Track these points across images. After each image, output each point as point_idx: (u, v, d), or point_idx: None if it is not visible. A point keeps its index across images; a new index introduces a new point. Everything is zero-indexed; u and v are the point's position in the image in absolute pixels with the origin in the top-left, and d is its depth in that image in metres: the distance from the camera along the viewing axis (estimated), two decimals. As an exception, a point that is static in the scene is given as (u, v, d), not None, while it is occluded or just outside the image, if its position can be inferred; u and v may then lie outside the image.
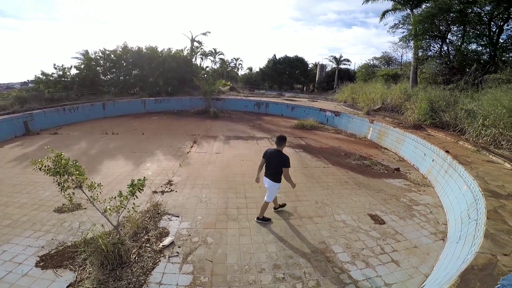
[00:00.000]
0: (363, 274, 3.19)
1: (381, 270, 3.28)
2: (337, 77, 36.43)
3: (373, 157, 8.21)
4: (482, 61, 13.50)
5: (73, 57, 20.09)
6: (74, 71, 16.15)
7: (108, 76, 17.86)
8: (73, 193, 2.85)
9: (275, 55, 43.21)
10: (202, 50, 37.59)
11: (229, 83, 27.74)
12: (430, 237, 4.10)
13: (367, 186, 5.90)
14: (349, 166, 7.19)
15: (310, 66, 45.40)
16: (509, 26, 13.13)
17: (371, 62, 27.56)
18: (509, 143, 6.62)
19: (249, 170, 6.59)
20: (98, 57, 17.16)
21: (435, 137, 8.29)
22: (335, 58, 40.18)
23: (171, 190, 5.26)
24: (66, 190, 2.79)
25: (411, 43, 16.22)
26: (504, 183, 4.41)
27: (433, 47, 16.13)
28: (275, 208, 4.69)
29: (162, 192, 5.16)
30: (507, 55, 13.30)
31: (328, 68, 42.94)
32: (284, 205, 4.84)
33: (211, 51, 42.33)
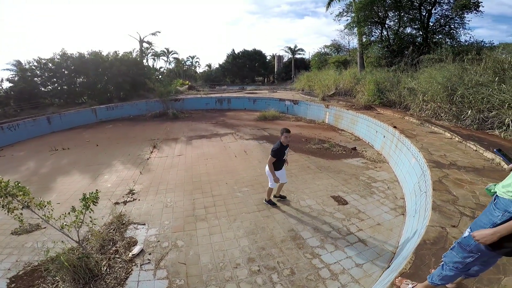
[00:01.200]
0: (333, 257, 3.34)
1: (350, 251, 3.44)
2: (293, 67, 37.56)
3: (332, 140, 8.74)
4: (417, 44, 14.96)
5: (4, 69, 17.68)
6: (7, 85, 14.28)
7: (49, 87, 16.08)
8: (21, 214, 2.71)
9: (233, 50, 43.18)
10: (153, 50, 35.74)
11: (187, 82, 26.89)
12: (391, 213, 4.34)
13: (328, 169, 6.27)
14: (310, 151, 7.56)
15: (268, 58, 46.10)
16: (436, 10, 14.74)
17: (323, 51, 28.90)
18: (447, 115, 7.48)
19: (214, 168, 6.56)
20: (33, 67, 15.33)
21: (384, 115, 9.08)
22: (290, 48, 41.26)
23: (134, 199, 5.07)
24: (12, 212, 2.65)
25: (355, 30, 17.32)
26: (445, 152, 4.94)
27: (374, 32, 17.41)
28: (275, 196, 4.99)
29: (125, 202, 4.96)
30: (437, 37, 14.94)
31: (285, 59, 44.09)
32: (284, 197, 5.06)
33: (164, 51, 40.47)
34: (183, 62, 45.84)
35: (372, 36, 17.49)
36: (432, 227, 2.66)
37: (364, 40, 17.49)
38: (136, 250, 3.51)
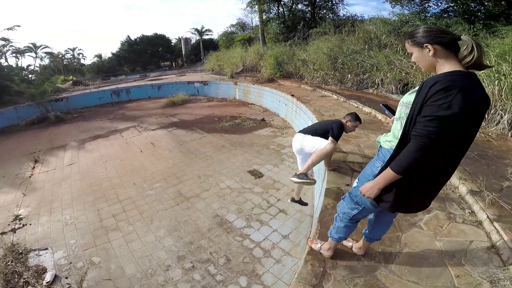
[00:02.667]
0: (261, 233, 3.35)
1: (275, 224, 3.50)
2: (202, 48, 36.05)
3: (243, 115, 8.87)
4: (307, 19, 16.41)
5: None
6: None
7: None
8: None
9: (129, 36, 38.10)
10: (13, 48, 27.28)
11: (70, 77, 22.05)
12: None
13: (241, 144, 6.29)
14: (223, 129, 7.44)
15: (174, 41, 42.92)
16: None
17: (229, 30, 28.60)
18: (333, 80, 8.59)
19: (116, 170, 5.62)
20: None
21: (284, 85, 9.73)
22: (197, 30, 39.06)
23: (24, 225, 4.17)
24: None
25: (256, 8, 17.64)
26: (334, 112, 5.57)
27: (272, 9, 18.15)
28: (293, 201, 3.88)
29: (13, 230, 4.08)
30: (322, 12, 16.71)
31: (193, 41, 41.89)
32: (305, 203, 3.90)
33: (29, 47, 31.60)
34: (60, 56, 37.34)
35: (271, 13, 18.20)
36: (329, 188, 2.69)
37: (264, 17, 18.06)
38: (48, 277, 3.09)
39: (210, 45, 35.34)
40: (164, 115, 10.02)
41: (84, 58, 41.70)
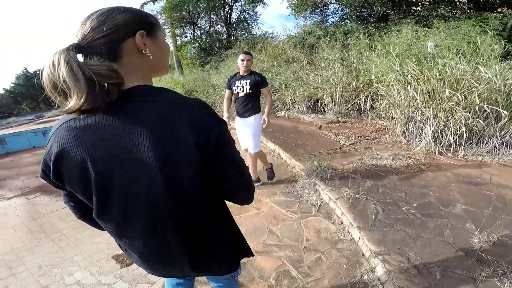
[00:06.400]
0: None
1: None
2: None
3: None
4: (223, 40, 15.94)
5: None
6: None
7: None
8: None
9: (26, 69, 32.68)
10: None
11: None
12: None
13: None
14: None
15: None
16: (237, 5, 16.19)
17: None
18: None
19: None
20: None
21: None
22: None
23: None
24: None
25: (169, 32, 16.49)
26: None
27: (187, 33, 17.22)
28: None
29: None
30: (236, 32, 16.54)
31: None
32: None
33: None
34: None
35: (186, 36, 17.24)
36: None
37: (179, 42, 17.04)
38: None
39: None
40: (36, 175, 7.42)
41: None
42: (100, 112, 0.62)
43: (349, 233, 2.67)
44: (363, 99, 5.34)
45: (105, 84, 0.59)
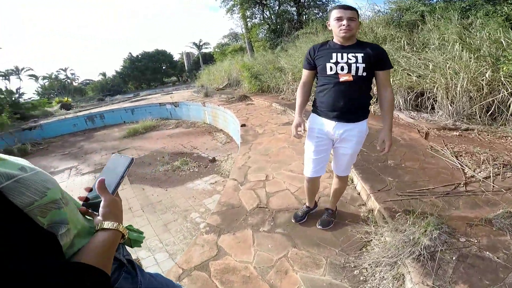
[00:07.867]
0: None
1: None
2: (201, 62, 35.45)
3: (196, 149, 7.05)
4: (293, 20, 14.66)
5: None
6: None
7: None
8: None
9: (130, 53, 38.74)
10: None
11: (66, 99, 21.84)
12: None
13: (155, 206, 4.42)
14: (152, 177, 5.61)
15: (177, 57, 43.39)
16: None
17: (223, 41, 27.54)
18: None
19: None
20: None
21: (253, 105, 7.91)
22: (195, 43, 38.82)
23: None
24: None
25: (239, 15, 16.31)
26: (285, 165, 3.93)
27: (257, 14, 16.58)
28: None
29: None
30: (307, 11, 14.90)
31: (196, 55, 41.82)
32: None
33: (13, 70, 32.81)
34: (54, 77, 38.76)
35: (255, 18, 16.65)
36: None
37: (249, 24, 16.68)
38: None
39: (210, 59, 34.74)
40: (113, 150, 8.58)
41: (77, 79, 43.25)
42: None
43: None
44: (500, 98, 3.64)
45: None
